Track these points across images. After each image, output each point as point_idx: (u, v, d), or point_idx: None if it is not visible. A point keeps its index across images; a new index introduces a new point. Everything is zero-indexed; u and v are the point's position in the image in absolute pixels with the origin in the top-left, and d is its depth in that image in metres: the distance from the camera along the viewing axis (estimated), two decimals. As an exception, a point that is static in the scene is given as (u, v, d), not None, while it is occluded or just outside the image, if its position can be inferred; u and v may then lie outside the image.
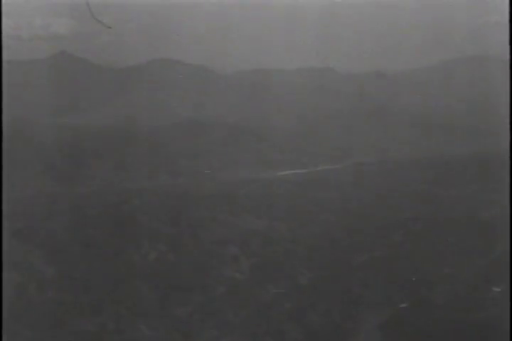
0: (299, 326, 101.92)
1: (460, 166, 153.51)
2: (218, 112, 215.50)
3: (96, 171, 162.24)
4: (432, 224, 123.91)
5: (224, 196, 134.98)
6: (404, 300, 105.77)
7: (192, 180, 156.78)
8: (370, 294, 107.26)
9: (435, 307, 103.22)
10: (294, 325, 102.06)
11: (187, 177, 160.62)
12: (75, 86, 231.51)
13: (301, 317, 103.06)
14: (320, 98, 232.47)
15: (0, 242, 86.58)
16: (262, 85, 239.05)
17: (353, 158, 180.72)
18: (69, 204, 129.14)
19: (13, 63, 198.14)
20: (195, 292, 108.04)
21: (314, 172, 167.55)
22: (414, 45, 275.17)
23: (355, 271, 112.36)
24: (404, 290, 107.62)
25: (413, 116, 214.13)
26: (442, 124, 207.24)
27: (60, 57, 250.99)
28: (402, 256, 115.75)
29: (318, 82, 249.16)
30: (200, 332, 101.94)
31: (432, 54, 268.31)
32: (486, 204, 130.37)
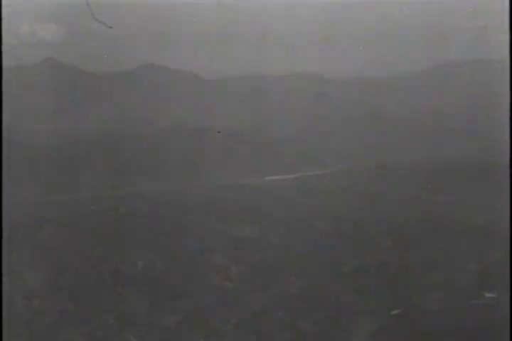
0: (289, 334, 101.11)
1: (454, 171, 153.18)
2: (206, 118, 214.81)
3: (84, 178, 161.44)
4: (424, 229, 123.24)
5: (212, 202, 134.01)
6: (396, 307, 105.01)
7: (180, 187, 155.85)
8: (362, 301, 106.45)
9: (427, 314, 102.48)
10: (284, 333, 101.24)
11: (175, 183, 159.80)
12: (62, 92, 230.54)
13: (291, 326, 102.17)
14: (310, 103, 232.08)
15: (0, 246, 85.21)
16: (250, 91, 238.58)
17: (342, 164, 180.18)
18: (56, 211, 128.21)
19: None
20: (183, 301, 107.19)
21: (303, 178, 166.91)
22: (406, 49, 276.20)
23: (346, 277, 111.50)
24: (396, 297, 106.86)
25: (407, 121, 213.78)
26: (437, 128, 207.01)
27: (46, 63, 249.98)
28: (394, 262, 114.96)
29: (308, 87, 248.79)
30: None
31: (422, 57, 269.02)
32: (479, 210, 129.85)
